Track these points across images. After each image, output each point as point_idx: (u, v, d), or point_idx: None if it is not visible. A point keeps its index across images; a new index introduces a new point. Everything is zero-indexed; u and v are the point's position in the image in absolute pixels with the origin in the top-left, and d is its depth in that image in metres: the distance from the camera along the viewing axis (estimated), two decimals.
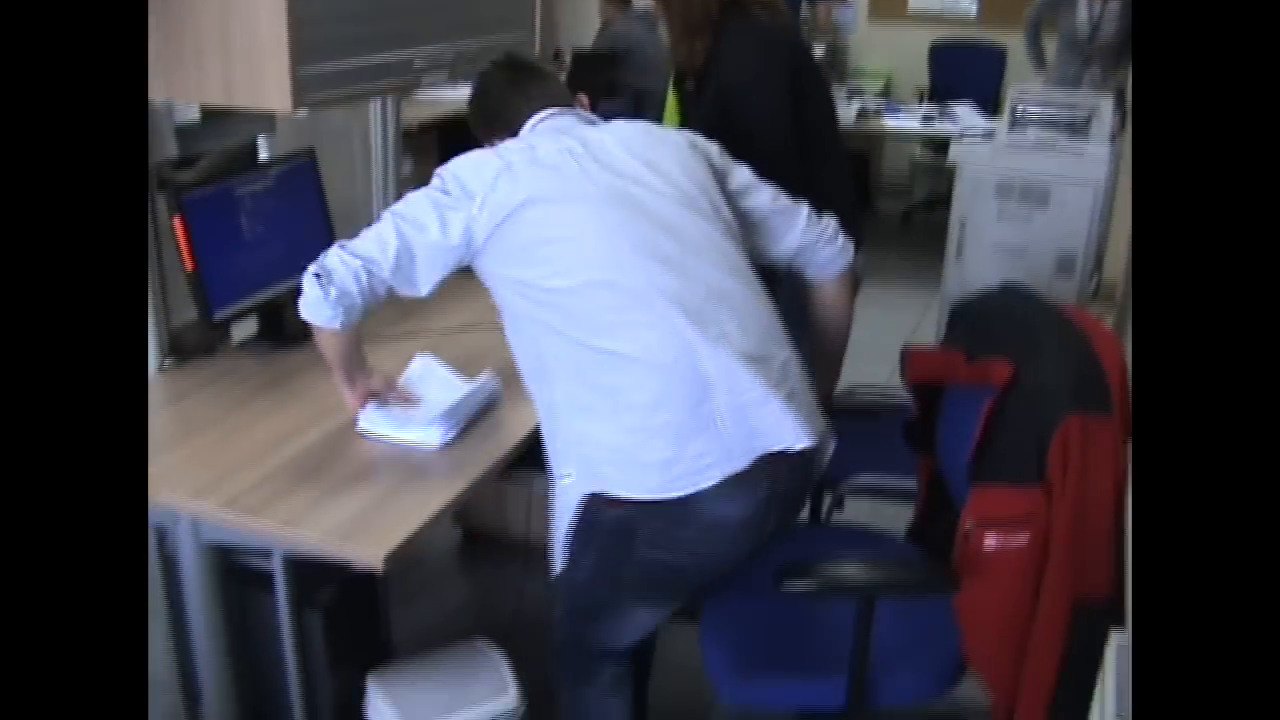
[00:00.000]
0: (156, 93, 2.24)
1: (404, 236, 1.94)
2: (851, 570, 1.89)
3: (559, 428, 1.97)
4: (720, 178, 2.10)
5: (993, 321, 2.07)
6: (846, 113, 6.25)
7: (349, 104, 2.47)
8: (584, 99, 2.25)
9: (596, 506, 1.91)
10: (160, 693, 2.63)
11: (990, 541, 1.82)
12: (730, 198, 2.10)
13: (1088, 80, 5.26)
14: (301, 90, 2.11)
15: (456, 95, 5.83)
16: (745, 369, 1.84)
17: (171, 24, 2.14)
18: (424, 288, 2.00)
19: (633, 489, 1.86)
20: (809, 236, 2.19)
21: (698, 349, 1.83)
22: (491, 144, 2.11)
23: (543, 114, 2.13)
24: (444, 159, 5.93)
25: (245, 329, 2.55)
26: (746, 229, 2.12)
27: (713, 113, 2.74)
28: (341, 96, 2.28)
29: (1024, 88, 4.30)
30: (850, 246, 2.24)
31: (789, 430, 1.84)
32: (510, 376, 2.29)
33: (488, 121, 2.22)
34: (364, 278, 1.94)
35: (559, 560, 2.04)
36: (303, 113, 2.16)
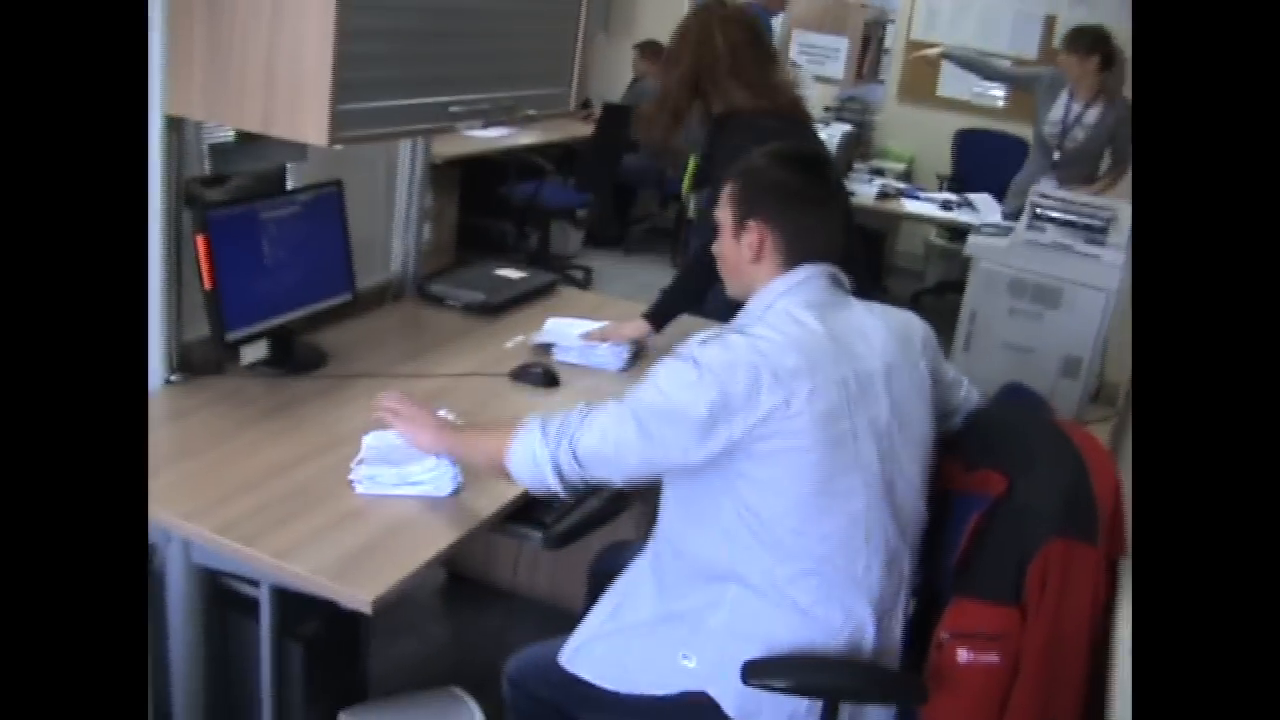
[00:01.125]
0: (197, 113, 2.27)
1: (649, 463, 1.86)
2: (817, 671, 1.87)
3: (714, 620, 1.91)
4: (935, 376, 2.05)
5: (993, 431, 2.07)
6: (867, 190, 6.29)
7: (382, 141, 2.50)
8: None
9: (698, 703, 1.89)
10: None
11: (962, 655, 1.82)
12: (935, 392, 2.05)
13: (1046, 182, 5.16)
14: (338, 126, 2.14)
15: (485, 134, 5.93)
16: (897, 651, 1.95)
17: (219, 49, 2.17)
18: None
19: None
20: (968, 405, 2.16)
21: (867, 634, 1.88)
22: (727, 204, 2.02)
23: (809, 271, 1.97)
24: (466, 195, 5.92)
25: (255, 351, 2.56)
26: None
27: (707, 207, 2.83)
28: (376, 135, 2.30)
29: (1045, 189, 4.34)
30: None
31: None
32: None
33: (752, 213, 1.98)
34: (592, 481, 1.93)
35: (596, 674, 2.01)
36: (338, 147, 2.18)
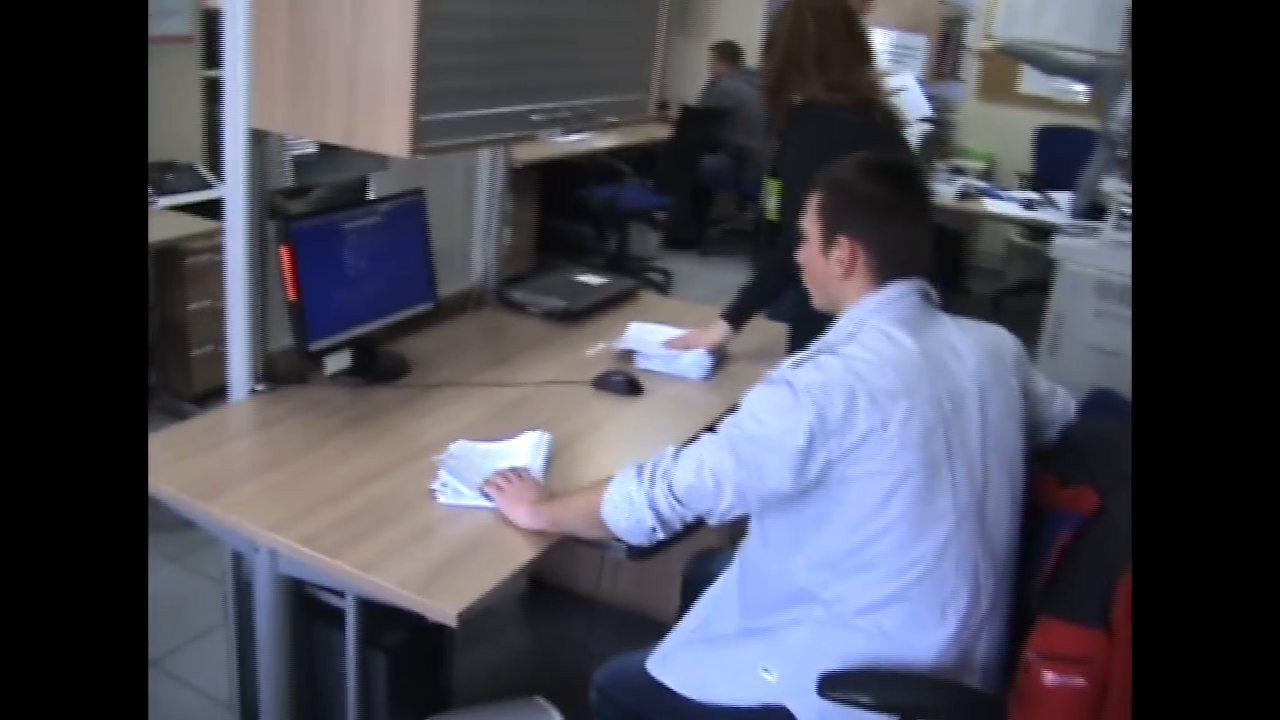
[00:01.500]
0: (280, 125, 2.30)
1: (741, 492, 1.81)
2: (894, 687, 1.83)
3: (796, 636, 1.89)
4: (1027, 391, 2.00)
5: (1088, 445, 2.01)
6: (947, 190, 6.22)
7: (462, 151, 2.50)
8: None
9: (778, 717, 1.87)
10: (219, 710, 2.67)
11: (1049, 678, 1.76)
12: (1027, 407, 1.99)
13: (1110, 180, 4.95)
14: (420, 137, 2.15)
15: (564, 138, 5.95)
16: (981, 672, 1.88)
17: (302, 64, 2.19)
18: None
19: None
20: (1063, 417, 2.10)
21: (949, 656, 1.83)
22: (824, 232, 1.95)
23: (901, 288, 1.92)
24: (546, 198, 5.96)
25: (339, 361, 2.58)
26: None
27: (785, 208, 2.97)
28: (457, 145, 2.31)
29: (1112, 187, 4.24)
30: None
31: None
32: (571, 435, 2.31)
33: (842, 227, 1.94)
34: (690, 520, 1.90)
35: (679, 682, 2.00)
36: (419, 157, 2.19)
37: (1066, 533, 1.85)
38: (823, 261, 1.97)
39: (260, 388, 2.48)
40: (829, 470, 1.76)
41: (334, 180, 2.71)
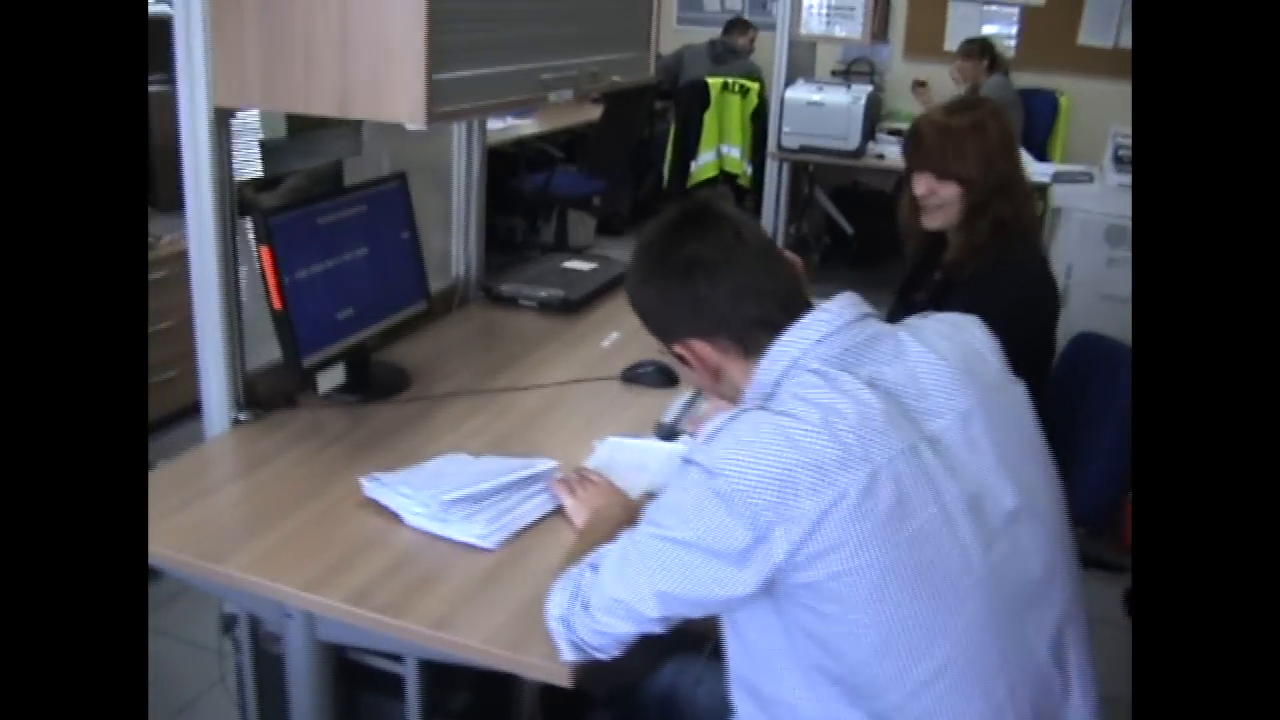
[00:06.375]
0: (252, 99, 1.92)
1: (672, 601, 1.34)
2: None
3: None
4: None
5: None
6: (892, 152, 5.95)
7: (476, 116, 2.15)
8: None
9: None
10: None
11: None
12: None
13: None
14: (436, 100, 1.78)
15: (501, 123, 5.58)
16: None
17: (276, 22, 1.81)
18: None
19: None
20: None
21: None
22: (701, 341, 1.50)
23: (818, 328, 1.42)
24: (491, 192, 5.61)
25: (332, 377, 2.20)
26: None
27: None
28: (471, 109, 1.95)
29: (1124, 129, 4.00)
30: None
31: None
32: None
33: (673, 335, 1.53)
34: (630, 641, 1.43)
35: None
36: (424, 126, 1.82)
37: None
38: (686, 371, 1.57)
39: (244, 416, 2.10)
40: (778, 574, 1.30)
41: (305, 167, 2.32)
